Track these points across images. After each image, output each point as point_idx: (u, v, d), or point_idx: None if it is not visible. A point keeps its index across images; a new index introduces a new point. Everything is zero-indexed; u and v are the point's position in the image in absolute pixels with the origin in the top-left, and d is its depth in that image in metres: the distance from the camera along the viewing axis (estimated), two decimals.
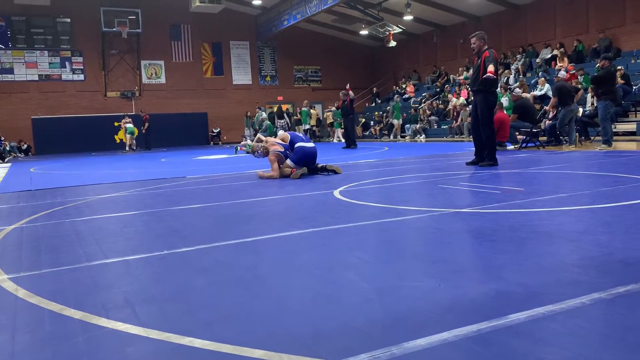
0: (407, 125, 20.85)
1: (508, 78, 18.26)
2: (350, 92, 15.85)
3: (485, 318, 1.84)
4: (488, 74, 7.24)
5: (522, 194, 4.81)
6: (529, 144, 11.27)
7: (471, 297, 2.09)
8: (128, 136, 22.52)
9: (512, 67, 19.33)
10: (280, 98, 28.11)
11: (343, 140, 19.38)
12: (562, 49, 17.47)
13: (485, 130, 7.62)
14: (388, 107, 22.62)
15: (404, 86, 25.59)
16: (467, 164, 7.79)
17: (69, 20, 24.21)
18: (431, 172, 7.15)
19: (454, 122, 18.41)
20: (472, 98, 8.28)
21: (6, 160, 18.47)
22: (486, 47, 7.58)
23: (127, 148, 22.64)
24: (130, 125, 22.50)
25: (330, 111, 23.63)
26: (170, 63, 26.17)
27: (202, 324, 1.96)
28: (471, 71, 8.17)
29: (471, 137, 7.65)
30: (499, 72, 19.31)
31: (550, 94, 14.14)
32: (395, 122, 20.91)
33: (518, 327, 1.76)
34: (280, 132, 7.55)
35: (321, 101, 28.58)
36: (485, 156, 7.58)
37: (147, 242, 3.64)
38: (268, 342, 1.74)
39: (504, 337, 1.70)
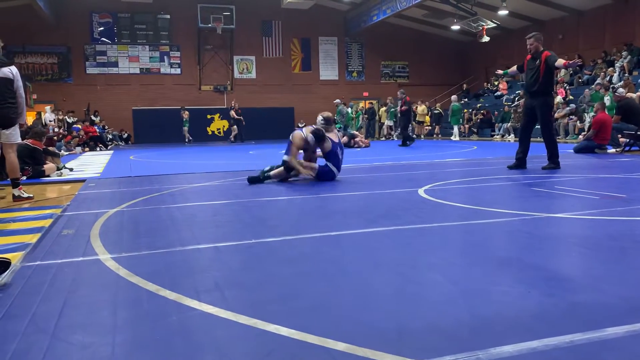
0: (500, 124, 20.00)
1: (612, 77, 17.06)
2: None
3: (579, 329, 1.75)
4: (569, 62, 7.09)
5: (623, 200, 4.50)
6: (632, 148, 10.49)
7: (564, 307, 1.99)
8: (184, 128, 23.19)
9: (617, 64, 18.04)
10: (365, 94, 28.05)
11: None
12: None
13: (548, 133, 7.47)
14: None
15: (496, 83, 24.66)
16: (509, 167, 7.50)
17: (168, 16, 25.53)
18: (522, 174, 6.84)
19: None
20: (524, 101, 8.19)
21: (109, 148, 19.84)
22: (542, 48, 7.39)
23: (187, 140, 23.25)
24: (186, 118, 23.27)
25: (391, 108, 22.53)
26: (261, 58, 26.86)
27: (287, 313, 2.01)
28: (514, 68, 7.92)
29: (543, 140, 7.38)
30: (603, 70, 18.21)
31: None
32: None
33: (615, 341, 1.66)
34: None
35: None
36: (548, 158, 7.37)
37: (236, 230, 3.79)
38: (352, 336, 1.76)
39: (599, 350, 1.61)
